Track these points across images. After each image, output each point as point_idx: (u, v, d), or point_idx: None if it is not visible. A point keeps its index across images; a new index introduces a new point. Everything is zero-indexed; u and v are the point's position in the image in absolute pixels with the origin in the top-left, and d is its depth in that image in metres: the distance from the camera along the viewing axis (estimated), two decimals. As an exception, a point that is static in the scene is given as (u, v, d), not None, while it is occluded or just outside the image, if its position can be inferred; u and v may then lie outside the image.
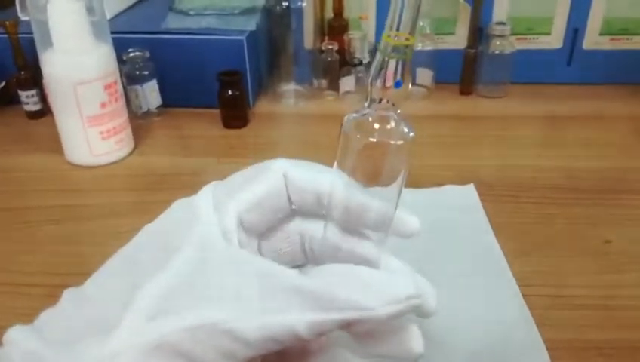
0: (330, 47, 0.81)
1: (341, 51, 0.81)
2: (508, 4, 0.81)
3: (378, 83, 0.27)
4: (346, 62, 0.81)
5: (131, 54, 0.73)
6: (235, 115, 0.75)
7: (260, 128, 0.76)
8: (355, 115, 0.29)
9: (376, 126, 0.28)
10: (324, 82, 0.83)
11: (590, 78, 0.85)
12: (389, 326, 0.27)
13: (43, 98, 0.77)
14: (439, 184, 0.61)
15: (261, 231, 0.32)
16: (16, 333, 0.27)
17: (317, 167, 0.32)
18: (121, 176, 0.65)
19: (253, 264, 0.26)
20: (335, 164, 0.29)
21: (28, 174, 0.65)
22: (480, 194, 0.58)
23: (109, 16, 0.75)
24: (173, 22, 0.79)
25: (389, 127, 0.28)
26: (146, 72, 0.74)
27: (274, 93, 0.83)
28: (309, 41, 0.83)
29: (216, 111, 0.75)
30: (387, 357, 0.27)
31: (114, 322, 0.25)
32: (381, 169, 0.28)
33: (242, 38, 0.75)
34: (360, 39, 0.81)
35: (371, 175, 0.29)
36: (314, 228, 0.32)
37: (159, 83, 0.76)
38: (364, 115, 0.28)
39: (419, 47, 0.80)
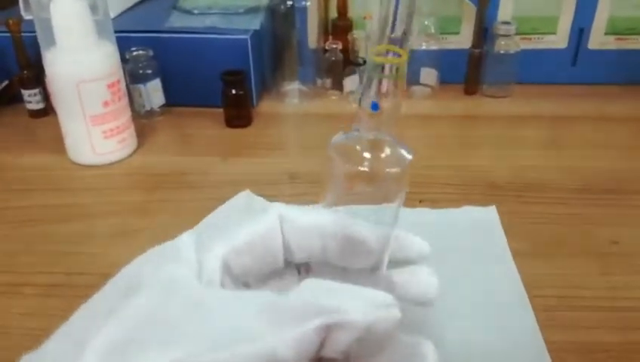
0: (334, 46, 0.80)
1: (345, 51, 0.81)
2: (513, 3, 0.81)
3: (364, 103, 0.25)
4: (349, 62, 0.81)
5: (135, 53, 0.73)
6: (239, 114, 0.75)
7: (264, 128, 0.75)
8: (342, 137, 0.26)
9: (367, 155, 0.25)
10: (327, 82, 0.83)
11: (596, 78, 0.84)
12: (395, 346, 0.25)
13: (46, 97, 0.77)
14: (444, 184, 0.61)
15: (250, 279, 0.29)
16: None
17: (316, 209, 0.31)
18: (124, 175, 0.65)
19: (223, 295, 0.24)
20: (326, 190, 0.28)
21: (30, 173, 0.65)
22: (485, 195, 0.58)
23: (112, 15, 0.75)
24: (176, 21, 0.78)
25: (382, 154, 0.26)
26: (150, 71, 0.74)
27: (277, 93, 0.82)
28: (312, 40, 0.83)
29: (220, 111, 0.75)
30: None
31: None
32: (375, 197, 0.26)
33: (246, 37, 0.74)
34: (364, 39, 0.80)
35: (364, 202, 0.27)
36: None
37: (162, 82, 0.76)
38: (352, 139, 0.26)
39: (423, 46, 0.79)
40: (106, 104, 0.63)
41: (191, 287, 0.24)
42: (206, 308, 0.23)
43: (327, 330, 0.22)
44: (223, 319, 0.22)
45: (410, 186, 0.62)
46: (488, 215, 0.54)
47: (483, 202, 0.56)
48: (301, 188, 0.61)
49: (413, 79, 0.82)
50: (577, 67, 0.84)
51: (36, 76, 0.75)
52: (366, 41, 0.81)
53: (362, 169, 0.25)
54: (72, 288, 0.47)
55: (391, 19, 0.23)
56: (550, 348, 0.39)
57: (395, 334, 0.24)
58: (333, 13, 0.84)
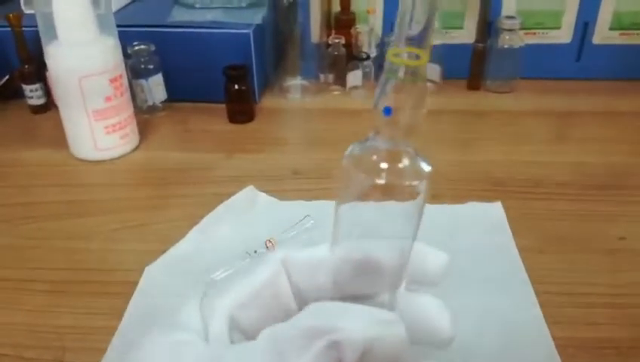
0: (337, 41, 0.80)
1: (348, 45, 0.81)
2: (517, -3, 0.80)
3: (379, 108, 0.23)
4: (353, 57, 0.80)
5: (136, 48, 0.72)
6: (241, 109, 0.74)
7: (266, 123, 0.75)
8: (358, 147, 0.25)
9: (384, 165, 0.24)
10: (330, 77, 0.82)
11: (600, 72, 0.84)
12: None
13: (47, 92, 0.77)
14: (448, 180, 0.60)
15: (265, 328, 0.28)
16: None
17: (319, 247, 0.28)
18: (126, 171, 0.65)
19: (231, 348, 0.24)
20: (336, 201, 0.26)
21: (32, 169, 0.65)
22: (489, 190, 0.58)
23: (114, 9, 0.74)
24: (178, 15, 0.78)
25: (400, 165, 0.24)
26: (151, 66, 0.73)
27: (280, 88, 0.82)
28: (315, 34, 0.83)
29: (222, 106, 0.74)
30: None
31: None
32: (392, 211, 0.25)
33: (249, 31, 0.74)
34: (367, 33, 0.80)
35: (380, 217, 0.25)
36: None
37: (164, 77, 0.75)
38: (368, 148, 0.24)
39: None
40: (108, 99, 0.62)
41: (199, 346, 0.24)
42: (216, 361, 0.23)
43: (337, 349, 0.22)
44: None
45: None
46: (494, 211, 0.54)
47: (488, 198, 0.56)
48: (304, 184, 0.60)
49: (417, 74, 0.81)
50: (582, 62, 0.84)
51: (37, 71, 0.75)
52: (369, 36, 0.80)
53: (379, 181, 0.24)
54: (78, 284, 0.47)
55: (409, 15, 0.21)
56: (558, 344, 0.39)
57: (403, 354, 0.23)
58: (336, 7, 0.83)
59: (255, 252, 0.48)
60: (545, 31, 0.82)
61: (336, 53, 0.80)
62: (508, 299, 0.44)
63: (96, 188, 0.61)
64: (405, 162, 0.24)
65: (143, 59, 0.73)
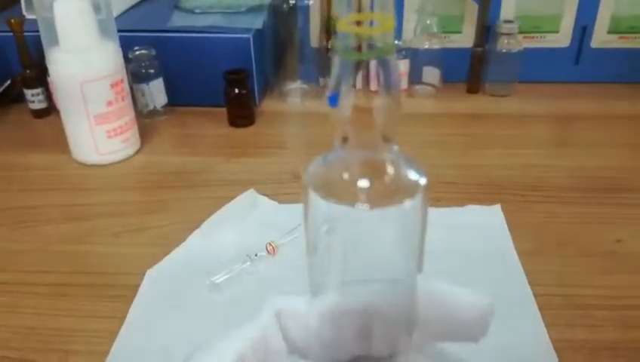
0: (336, 45, 0.80)
1: (347, 50, 0.81)
2: (515, 2, 0.81)
3: (343, 104, 0.17)
4: (352, 61, 0.81)
5: (137, 53, 0.73)
6: (242, 113, 0.75)
7: (266, 127, 0.75)
8: (320, 162, 0.19)
9: (362, 184, 0.17)
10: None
11: (598, 76, 0.84)
12: None
13: (48, 96, 0.77)
14: (447, 183, 0.61)
15: None
16: None
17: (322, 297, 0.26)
18: (127, 175, 0.65)
19: None
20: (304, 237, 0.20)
21: (33, 173, 0.65)
22: (488, 194, 0.58)
23: (115, 14, 0.75)
24: (179, 20, 0.78)
25: (384, 181, 0.18)
26: (152, 71, 0.74)
27: (280, 92, 0.82)
28: (315, 39, 0.83)
29: (223, 110, 0.75)
30: None
31: None
32: (383, 243, 0.19)
33: (249, 36, 0.74)
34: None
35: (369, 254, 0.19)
36: None
37: (165, 81, 0.76)
38: (336, 162, 0.18)
39: (425, 45, 0.79)
40: (109, 103, 0.63)
41: None
42: None
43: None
44: None
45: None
46: (493, 214, 0.54)
47: (487, 201, 0.56)
48: (305, 188, 0.60)
49: (416, 78, 0.82)
50: (580, 66, 0.84)
51: (39, 76, 0.75)
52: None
53: (359, 207, 0.17)
54: (80, 287, 0.47)
55: None
56: (556, 346, 0.40)
57: None
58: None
59: (256, 255, 0.48)
60: (543, 35, 0.83)
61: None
62: (506, 301, 0.44)
63: (97, 192, 0.62)
64: (390, 174, 0.18)
65: (143, 64, 0.73)
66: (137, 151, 0.69)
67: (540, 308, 0.43)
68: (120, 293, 0.46)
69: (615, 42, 0.82)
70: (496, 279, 0.46)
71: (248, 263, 0.48)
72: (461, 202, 0.56)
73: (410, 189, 0.18)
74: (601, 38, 0.82)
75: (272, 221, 0.54)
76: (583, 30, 0.82)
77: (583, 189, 0.59)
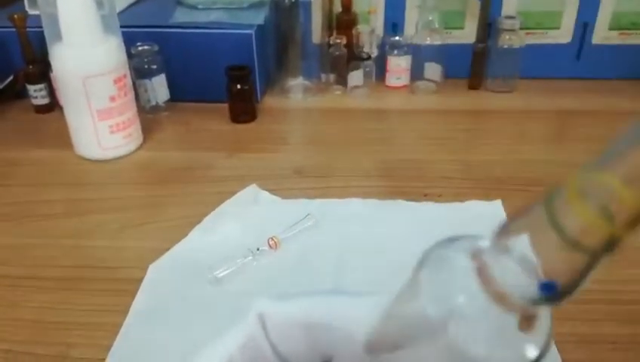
0: (338, 41, 0.80)
1: (349, 45, 0.81)
2: (517, -2, 0.81)
3: None
4: (354, 57, 0.81)
5: (140, 48, 0.73)
6: (244, 109, 0.75)
7: (268, 122, 0.75)
8: (444, 249, 0.17)
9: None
10: (332, 76, 0.83)
11: (599, 72, 0.84)
12: None
13: (51, 92, 0.77)
14: (449, 178, 0.61)
15: None
16: None
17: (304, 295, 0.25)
18: (130, 170, 0.65)
19: None
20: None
21: (37, 168, 0.65)
22: (489, 189, 0.58)
23: (117, 10, 0.75)
24: (181, 16, 0.78)
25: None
26: (155, 66, 0.74)
27: (282, 88, 0.82)
28: (317, 35, 0.83)
29: (225, 106, 0.75)
30: None
31: None
32: None
33: (251, 32, 0.75)
34: (368, 33, 0.80)
35: None
36: None
37: (167, 77, 0.76)
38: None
39: (427, 41, 0.79)
40: (112, 99, 0.63)
41: None
42: None
43: None
44: None
45: (416, 180, 0.63)
46: (494, 209, 0.55)
47: (488, 196, 0.56)
48: (306, 183, 0.61)
49: (418, 74, 0.82)
50: (581, 62, 0.84)
51: (41, 71, 0.76)
52: (370, 36, 0.81)
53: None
54: (83, 281, 0.48)
55: None
56: (557, 340, 0.40)
57: None
58: (338, 8, 0.84)
59: (257, 249, 0.49)
60: (545, 31, 0.83)
61: (337, 53, 0.81)
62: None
63: (100, 187, 0.62)
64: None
65: (146, 60, 0.73)
66: (140, 147, 0.69)
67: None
68: (123, 287, 0.46)
69: (616, 38, 0.83)
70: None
71: (250, 258, 0.48)
72: (462, 197, 0.56)
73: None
74: (602, 34, 0.82)
75: (273, 216, 0.54)
76: (584, 26, 0.82)
77: (584, 185, 0.59)
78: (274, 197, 0.58)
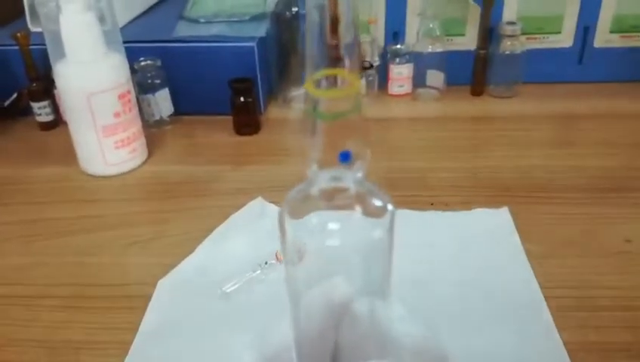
0: (340, 51, 0.80)
1: (351, 55, 0.81)
2: (517, 3, 0.81)
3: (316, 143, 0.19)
4: (356, 66, 0.81)
5: (143, 63, 0.73)
6: (247, 121, 0.75)
7: (272, 134, 0.76)
8: (295, 196, 0.20)
9: (334, 226, 0.20)
10: (334, 86, 0.83)
11: (602, 75, 0.84)
12: None
13: (55, 109, 0.78)
14: (455, 186, 0.61)
15: None
16: None
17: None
18: (136, 185, 0.65)
19: None
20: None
21: (42, 185, 0.66)
22: (495, 196, 0.58)
23: (119, 25, 0.75)
24: (183, 30, 0.79)
25: (355, 211, 0.19)
26: (158, 81, 0.74)
27: (284, 99, 0.83)
28: (318, 45, 0.83)
29: (228, 118, 0.75)
30: None
31: None
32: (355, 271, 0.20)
33: (253, 44, 0.75)
34: (369, 43, 0.81)
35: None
36: None
37: (171, 91, 0.76)
38: (310, 196, 0.19)
39: (429, 49, 0.80)
40: (117, 115, 0.63)
41: None
42: None
43: None
44: None
45: (421, 189, 0.63)
46: (501, 217, 0.54)
47: (494, 203, 0.56)
48: (312, 194, 0.61)
49: (420, 82, 0.82)
50: (583, 65, 0.84)
51: (45, 88, 0.76)
52: (371, 45, 0.81)
53: (332, 243, 0.19)
54: (91, 299, 0.48)
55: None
56: (569, 349, 0.40)
57: None
58: (338, 18, 0.84)
59: (265, 263, 0.48)
60: (546, 36, 0.83)
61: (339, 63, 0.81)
62: (517, 304, 0.44)
63: (106, 203, 0.62)
64: (358, 204, 0.19)
65: (149, 75, 0.74)
66: (145, 161, 0.69)
67: (551, 311, 0.43)
68: (132, 304, 0.46)
69: (618, 41, 0.82)
70: (507, 282, 0.46)
71: (258, 271, 0.48)
72: (468, 205, 0.56)
73: (378, 211, 0.20)
74: (603, 37, 0.82)
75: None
76: (585, 30, 0.82)
77: (590, 189, 0.59)
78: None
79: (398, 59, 0.81)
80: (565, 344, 0.40)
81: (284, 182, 0.63)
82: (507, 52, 0.80)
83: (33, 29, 0.79)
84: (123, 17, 0.81)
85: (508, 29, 0.79)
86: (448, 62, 0.81)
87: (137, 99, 0.70)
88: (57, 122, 0.78)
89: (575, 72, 0.85)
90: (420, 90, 0.83)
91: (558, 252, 0.50)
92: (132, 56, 0.69)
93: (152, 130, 0.75)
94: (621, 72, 0.84)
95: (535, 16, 0.82)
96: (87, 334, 0.44)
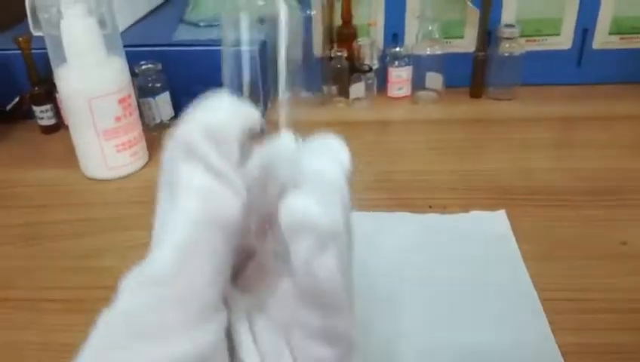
0: (339, 54, 0.81)
1: (350, 58, 0.82)
2: (516, 6, 0.81)
3: None
4: (355, 69, 0.82)
5: (143, 67, 0.74)
6: (247, 124, 0.75)
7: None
8: None
9: None
10: (333, 89, 0.84)
11: (601, 77, 0.84)
12: None
13: (57, 113, 0.78)
14: (452, 189, 0.61)
15: None
16: None
17: None
18: (137, 188, 0.66)
19: None
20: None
21: (43, 189, 0.66)
22: (493, 198, 0.59)
23: (120, 29, 0.76)
24: (184, 34, 0.79)
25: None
26: (159, 85, 0.75)
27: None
28: (318, 48, 0.84)
29: (228, 121, 0.75)
30: None
31: None
32: None
33: (254, 48, 0.75)
34: (369, 46, 0.81)
35: None
36: None
37: (171, 94, 0.76)
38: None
39: (427, 51, 0.80)
40: (117, 119, 0.64)
41: None
42: None
43: None
44: None
45: (420, 192, 0.63)
46: (498, 219, 0.55)
47: (492, 206, 0.57)
48: (311, 197, 0.61)
49: (419, 84, 0.82)
50: (582, 67, 0.84)
51: (47, 92, 0.76)
52: (371, 48, 0.81)
53: None
54: (91, 302, 0.48)
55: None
56: (563, 351, 0.40)
57: None
58: (338, 21, 0.84)
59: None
60: (545, 38, 0.83)
61: (338, 65, 0.82)
62: (512, 306, 0.45)
63: (107, 206, 0.63)
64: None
65: (150, 78, 0.74)
66: (146, 165, 0.70)
67: (547, 313, 0.43)
68: (132, 307, 0.47)
69: (617, 43, 0.83)
70: (503, 284, 0.47)
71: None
72: (467, 208, 0.57)
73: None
74: (602, 39, 0.82)
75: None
76: (584, 32, 0.82)
77: (587, 192, 0.59)
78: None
79: (397, 62, 0.82)
80: (560, 346, 0.40)
81: (283, 185, 0.63)
82: (506, 54, 0.80)
83: (35, 33, 0.79)
84: (123, 21, 0.82)
85: (506, 32, 0.79)
86: (447, 64, 0.81)
87: (138, 102, 0.70)
88: (59, 126, 0.79)
89: (574, 74, 0.85)
90: (419, 93, 0.83)
91: (554, 254, 0.50)
92: (133, 60, 0.69)
93: (153, 134, 0.76)
94: (620, 73, 0.84)
95: (534, 18, 0.82)
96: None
